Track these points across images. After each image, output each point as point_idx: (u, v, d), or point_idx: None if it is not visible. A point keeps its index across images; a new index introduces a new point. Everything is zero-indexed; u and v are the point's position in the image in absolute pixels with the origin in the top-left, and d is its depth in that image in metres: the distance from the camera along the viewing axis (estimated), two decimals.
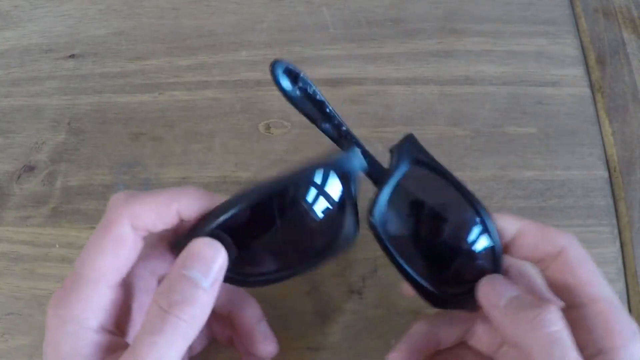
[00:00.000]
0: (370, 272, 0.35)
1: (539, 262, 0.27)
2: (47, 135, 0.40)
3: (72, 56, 0.43)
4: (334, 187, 0.26)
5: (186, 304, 0.23)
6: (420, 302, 0.34)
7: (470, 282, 0.26)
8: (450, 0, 0.44)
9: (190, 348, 0.29)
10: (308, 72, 0.42)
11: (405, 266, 0.27)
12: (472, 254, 0.27)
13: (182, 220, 0.26)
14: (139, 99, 0.41)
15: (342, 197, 0.26)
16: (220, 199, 0.26)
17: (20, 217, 0.37)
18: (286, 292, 0.35)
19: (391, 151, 0.28)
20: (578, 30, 0.43)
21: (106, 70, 0.42)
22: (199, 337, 0.27)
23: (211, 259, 0.25)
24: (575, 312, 0.25)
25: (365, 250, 0.36)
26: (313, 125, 0.28)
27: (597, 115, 0.40)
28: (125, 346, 0.24)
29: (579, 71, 0.41)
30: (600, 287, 0.26)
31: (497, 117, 0.40)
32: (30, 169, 0.39)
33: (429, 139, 0.40)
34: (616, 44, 0.42)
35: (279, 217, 0.26)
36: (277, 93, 0.41)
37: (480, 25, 0.43)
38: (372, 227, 0.26)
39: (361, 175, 0.27)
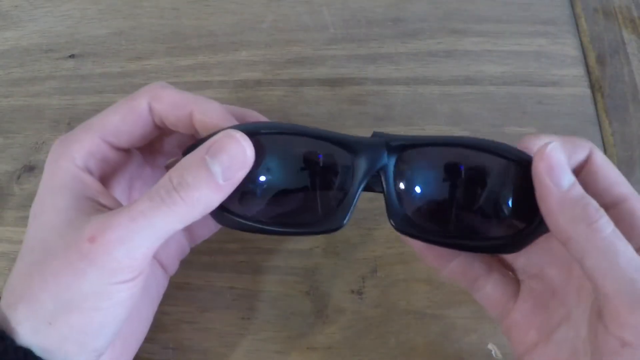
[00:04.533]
0: (370, 272, 0.35)
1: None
2: (47, 135, 0.40)
3: (72, 56, 0.43)
4: (353, 168, 0.26)
5: (194, 190, 0.23)
6: (421, 302, 0.34)
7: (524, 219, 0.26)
8: (450, 0, 0.44)
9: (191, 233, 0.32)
10: (308, 72, 0.42)
11: (454, 241, 0.26)
12: (509, 194, 0.26)
13: (194, 128, 0.27)
14: None
15: (349, 181, 0.26)
16: (234, 122, 0.26)
17: (20, 217, 0.37)
18: (286, 292, 0.35)
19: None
20: (578, 30, 0.43)
21: (106, 70, 0.42)
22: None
23: (237, 158, 0.24)
24: (610, 212, 0.24)
25: (365, 250, 0.36)
26: None
27: (597, 115, 0.40)
28: (107, 195, 0.26)
29: (579, 71, 0.41)
30: (626, 186, 0.25)
31: (497, 117, 0.40)
32: (30, 169, 0.39)
33: None
34: (616, 44, 0.42)
35: (293, 166, 0.26)
36: (277, 93, 0.41)
37: (480, 25, 0.43)
38: (397, 229, 0.26)
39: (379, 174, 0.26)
